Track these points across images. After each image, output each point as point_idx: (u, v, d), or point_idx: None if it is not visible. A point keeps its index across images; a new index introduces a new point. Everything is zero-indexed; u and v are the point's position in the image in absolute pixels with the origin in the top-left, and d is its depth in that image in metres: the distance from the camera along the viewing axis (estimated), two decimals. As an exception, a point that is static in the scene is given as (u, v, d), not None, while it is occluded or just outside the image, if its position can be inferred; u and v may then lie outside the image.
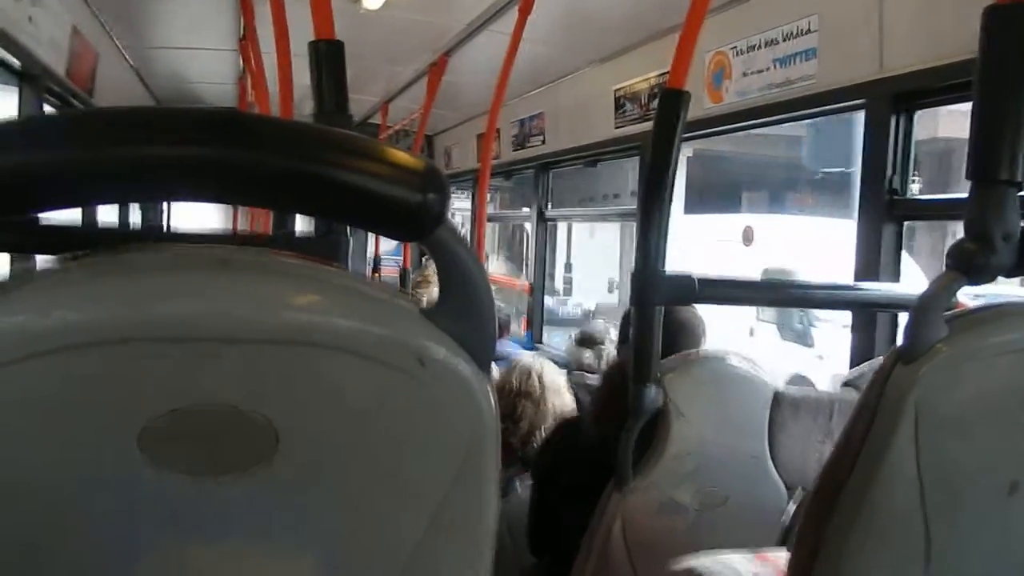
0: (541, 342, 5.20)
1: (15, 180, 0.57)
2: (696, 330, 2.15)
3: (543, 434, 2.61)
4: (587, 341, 3.40)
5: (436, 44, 4.19)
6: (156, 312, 0.60)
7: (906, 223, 2.47)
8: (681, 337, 2.06)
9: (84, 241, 1.31)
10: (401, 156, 0.64)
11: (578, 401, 2.84)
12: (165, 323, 0.60)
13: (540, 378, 2.69)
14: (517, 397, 2.66)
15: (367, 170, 0.62)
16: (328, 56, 1.49)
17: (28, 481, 0.61)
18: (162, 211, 8.24)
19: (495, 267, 9.24)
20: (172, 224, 8.70)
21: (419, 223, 0.64)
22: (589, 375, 3.27)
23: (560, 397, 2.71)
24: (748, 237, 9.43)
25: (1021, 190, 1.04)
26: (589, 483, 1.84)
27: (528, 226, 5.33)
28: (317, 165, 0.61)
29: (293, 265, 0.65)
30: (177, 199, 0.67)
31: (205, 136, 0.59)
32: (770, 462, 1.80)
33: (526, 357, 2.94)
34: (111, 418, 0.61)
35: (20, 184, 0.57)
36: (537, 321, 5.24)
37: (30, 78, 3.25)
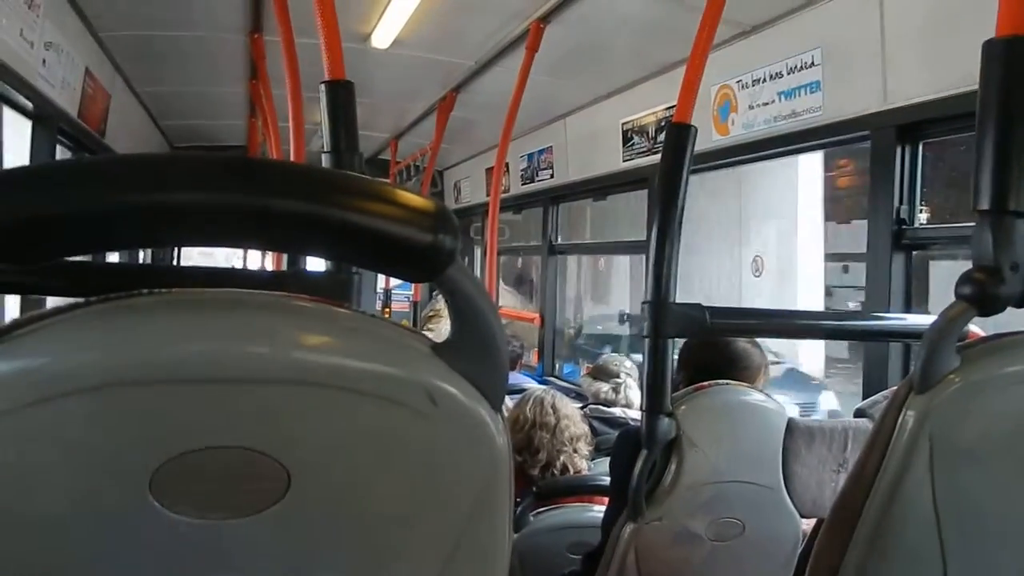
0: (553, 374, 5.19)
1: (29, 227, 0.58)
2: (750, 363, 2.03)
3: (561, 463, 2.61)
4: (603, 373, 3.39)
5: (445, 81, 4.24)
6: (168, 355, 0.61)
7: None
8: (733, 371, 1.95)
9: (93, 282, 1.32)
10: (411, 198, 0.64)
11: (595, 432, 2.83)
12: (177, 365, 0.61)
13: (554, 408, 2.69)
14: (533, 428, 2.65)
15: (378, 213, 0.63)
16: (339, 96, 1.52)
17: (39, 523, 0.61)
18: (171, 249, 8.29)
19: (507, 301, 9.24)
20: (182, 262, 8.76)
21: (430, 264, 0.64)
22: (606, 408, 3.26)
23: (576, 425, 2.70)
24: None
25: None
26: None
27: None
28: (329, 210, 0.62)
29: (304, 306, 0.66)
30: (187, 244, 0.68)
31: (219, 183, 0.60)
32: (785, 492, 1.79)
33: (538, 389, 2.94)
34: (123, 461, 0.61)
35: (33, 232, 0.58)
36: (548, 353, 5.23)
37: (43, 120, 3.29)
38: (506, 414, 0.75)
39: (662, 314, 1.71)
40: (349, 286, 1.49)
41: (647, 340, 1.73)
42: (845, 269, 11.04)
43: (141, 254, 5.92)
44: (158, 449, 0.61)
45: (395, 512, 0.68)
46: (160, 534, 0.62)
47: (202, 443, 0.62)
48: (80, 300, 0.62)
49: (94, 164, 0.62)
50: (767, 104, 2.92)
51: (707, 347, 2.02)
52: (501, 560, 0.72)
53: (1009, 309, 1.04)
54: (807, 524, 1.83)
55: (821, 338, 2.15)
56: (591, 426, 2.85)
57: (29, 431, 0.59)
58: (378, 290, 6.69)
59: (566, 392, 3.33)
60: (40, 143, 3.30)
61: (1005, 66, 1.06)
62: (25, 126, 3.27)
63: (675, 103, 1.86)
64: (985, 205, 1.05)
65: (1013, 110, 1.04)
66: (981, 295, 1.01)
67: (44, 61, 3.06)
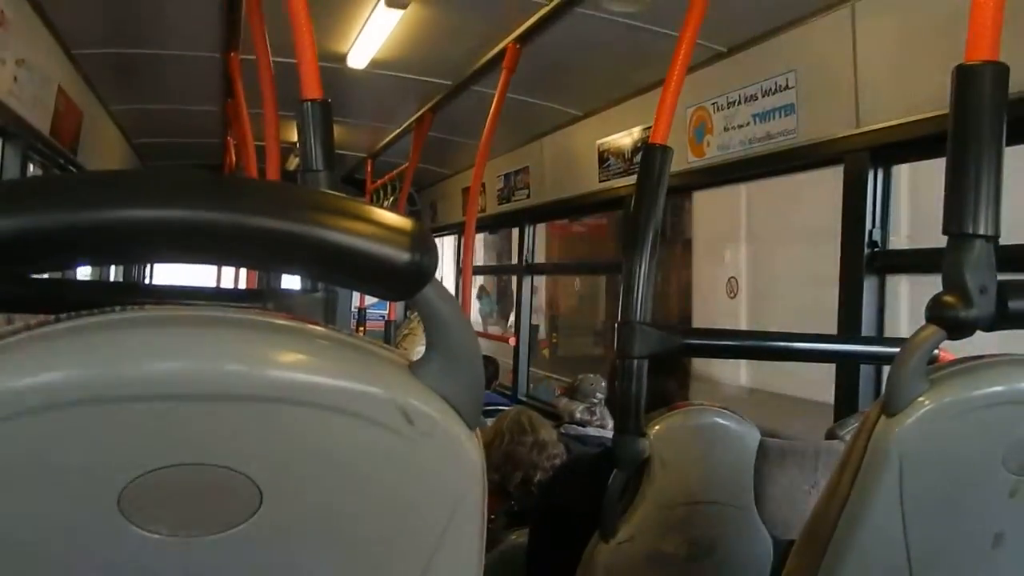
0: (527, 395, 5.18)
1: None
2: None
3: (538, 481, 2.61)
4: (578, 393, 3.40)
5: (422, 101, 4.25)
6: (137, 371, 0.60)
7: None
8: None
9: (64, 298, 1.30)
10: (388, 217, 0.64)
11: (569, 452, 2.84)
12: (149, 383, 0.60)
13: (531, 426, 2.70)
14: (510, 446, 2.66)
15: (354, 231, 0.62)
16: (316, 115, 1.51)
17: (8, 542, 0.60)
18: (144, 266, 8.21)
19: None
20: (154, 279, 8.68)
21: (407, 282, 0.64)
22: (580, 427, 3.27)
23: (553, 447, 2.72)
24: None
25: (996, 243, 1.06)
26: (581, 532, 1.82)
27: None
28: (305, 228, 0.61)
29: (278, 322, 0.66)
30: (162, 261, 0.67)
31: (192, 199, 0.60)
32: (756, 513, 1.80)
33: (514, 408, 2.94)
34: (91, 478, 0.60)
35: (2, 248, 0.57)
36: (523, 373, 5.22)
37: (13, 137, 3.26)
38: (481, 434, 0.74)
39: (634, 334, 1.72)
40: (324, 304, 1.49)
41: (619, 360, 1.73)
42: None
43: (112, 272, 5.86)
44: (127, 466, 0.60)
45: (368, 529, 0.67)
46: (130, 552, 0.62)
47: (173, 460, 0.61)
48: (50, 317, 0.61)
49: (65, 180, 0.61)
50: (742, 126, 2.95)
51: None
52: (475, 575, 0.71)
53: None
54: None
55: (794, 360, 2.16)
56: (566, 446, 2.86)
57: None
58: (352, 309, 6.66)
59: (544, 413, 3.34)
60: (10, 160, 3.27)
61: (973, 91, 1.07)
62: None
63: (651, 124, 1.88)
64: (955, 228, 1.06)
65: (982, 134, 1.06)
66: (951, 319, 1.02)
67: (15, 78, 3.03)
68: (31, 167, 3.61)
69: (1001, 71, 1.07)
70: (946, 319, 1.02)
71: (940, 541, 1.03)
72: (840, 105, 2.50)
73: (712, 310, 6.77)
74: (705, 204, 6.68)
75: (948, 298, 1.03)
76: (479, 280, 9.18)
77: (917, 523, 1.00)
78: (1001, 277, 1.05)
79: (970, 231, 1.05)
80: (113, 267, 5.85)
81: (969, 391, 1.01)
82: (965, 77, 1.08)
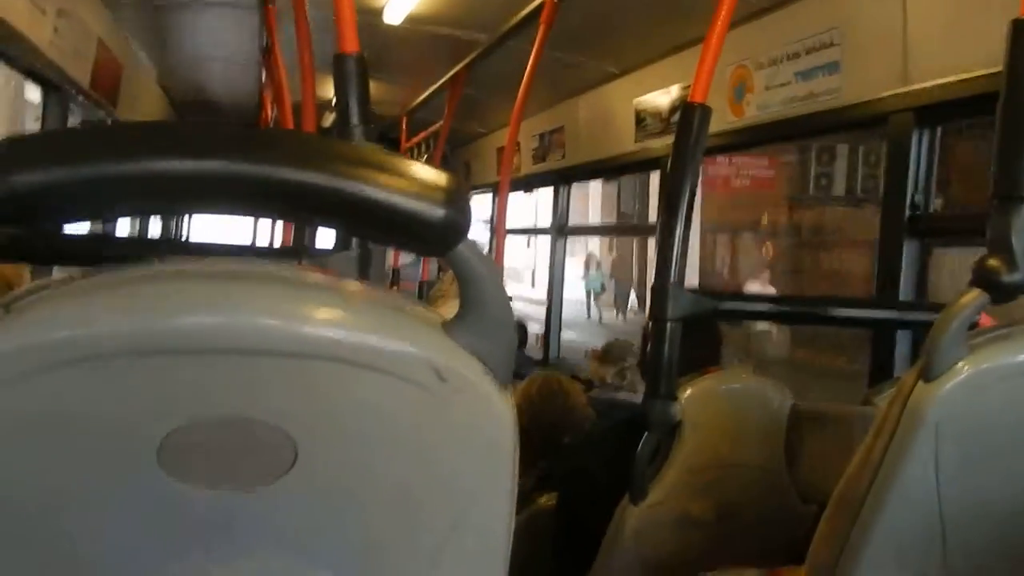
0: (557, 358, 5.18)
1: (39, 193, 0.58)
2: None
3: (566, 444, 2.62)
4: (609, 357, 3.39)
5: (457, 57, 4.21)
6: (176, 324, 0.60)
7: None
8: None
9: (103, 252, 1.32)
10: (424, 171, 0.64)
11: (599, 416, 2.84)
12: (185, 335, 0.60)
13: (561, 389, 2.70)
14: (539, 407, 2.66)
15: (390, 185, 0.62)
16: (352, 69, 1.50)
17: (48, 493, 0.61)
18: (181, 222, 8.29)
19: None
20: (191, 235, 8.78)
21: (441, 237, 0.64)
22: (612, 391, 3.26)
23: (582, 409, 2.71)
24: None
25: None
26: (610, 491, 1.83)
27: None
28: (339, 179, 0.61)
29: (314, 279, 0.66)
30: (200, 211, 0.68)
31: (229, 151, 0.60)
32: (787, 477, 1.79)
33: (542, 372, 2.94)
34: (130, 430, 0.61)
35: (44, 197, 0.58)
36: (555, 337, 5.22)
37: (55, 88, 3.29)
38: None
39: (668, 297, 1.70)
40: (358, 262, 1.49)
41: (652, 323, 1.72)
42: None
43: (150, 229, 5.93)
44: (165, 418, 0.61)
45: (401, 484, 0.68)
46: (167, 504, 0.63)
47: (210, 413, 0.62)
48: (89, 270, 0.62)
49: (105, 131, 0.62)
50: (784, 85, 2.89)
51: None
52: (503, 537, 0.71)
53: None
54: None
55: (830, 324, 2.13)
56: (595, 410, 2.86)
57: (37, 400, 0.59)
58: (386, 268, 6.69)
59: (575, 377, 3.34)
60: (52, 111, 3.31)
61: None
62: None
63: (689, 83, 1.84)
64: (1003, 191, 1.03)
65: None
66: (995, 282, 1.00)
67: (56, 29, 3.05)
68: (71, 119, 3.65)
69: None
70: (990, 282, 1.00)
71: (973, 507, 1.02)
72: (887, 64, 2.43)
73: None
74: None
75: (993, 261, 1.01)
76: (574, 243, 8.79)
77: (951, 489, 0.99)
78: None
79: (1017, 194, 1.02)
80: (151, 223, 5.91)
81: (1008, 357, 0.99)
82: (1022, 31, 1.04)
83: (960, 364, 0.98)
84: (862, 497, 1.03)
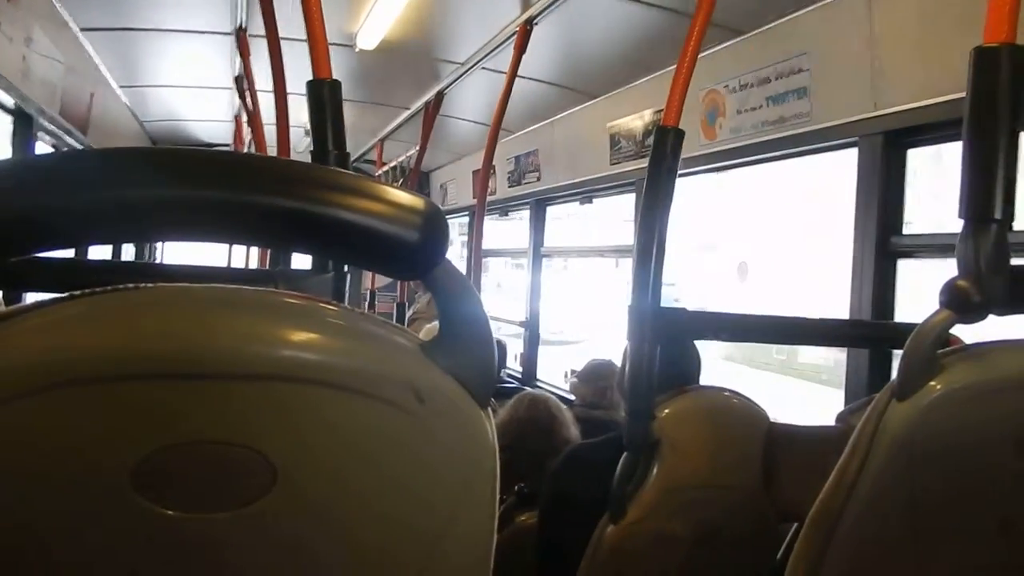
0: (536, 378, 5.18)
1: (11, 222, 0.57)
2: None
3: (549, 464, 2.60)
4: (591, 377, 3.39)
5: (432, 82, 4.23)
6: (151, 349, 0.60)
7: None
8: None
9: (77, 278, 1.30)
10: (400, 195, 0.64)
11: (584, 435, 2.83)
12: (161, 360, 0.60)
13: (547, 408, 2.69)
14: (525, 425, 2.64)
15: (367, 209, 0.62)
16: (326, 95, 1.51)
17: (19, 519, 0.60)
18: (155, 246, 8.22)
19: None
20: (165, 259, 8.71)
21: (419, 261, 0.65)
22: (593, 411, 3.26)
23: (567, 429, 2.70)
24: None
25: (1010, 228, 1.05)
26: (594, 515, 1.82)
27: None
28: (316, 205, 0.61)
29: (291, 302, 0.66)
30: (175, 239, 0.67)
31: (206, 177, 0.60)
32: (765, 495, 1.80)
33: (528, 391, 2.93)
34: (104, 454, 0.60)
35: (16, 226, 0.57)
36: (532, 358, 5.22)
37: (23, 116, 3.26)
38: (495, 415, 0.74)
39: (645, 317, 1.72)
40: (335, 284, 1.49)
41: (629, 343, 1.73)
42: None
43: (123, 253, 5.87)
44: (140, 442, 0.60)
45: (381, 507, 0.68)
46: (143, 529, 0.62)
47: (185, 437, 0.61)
48: (62, 295, 0.61)
49: (77, 158, 0.61)
50: (755, 109, 2.93)
51: None
52: (485, 558, 0.71)
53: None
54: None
55: (805, 343, 2.16)
56: (583, 428, 2.85)
57: (10, 426, 0.58)
58: (363, 290, 6.67)
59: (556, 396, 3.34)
60: (20, 140, 3.27)
61: (991, 73, 1.06)
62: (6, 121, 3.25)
63: (662, 107, 1.86)
64: (970, 213, 1.05)
65: (999, 117, 1.05)
66: (963, 303, 1.01)
67: (24, 58, 3.03)
68: (40, 146, 3.61)
69: (1019, 53, 1.06)
70: (959, 303, 1.01)
71: (947, 526, 1.03)
72: (856, 88, 2.47)
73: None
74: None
75: (961, 282, 1.02)
76: (488, 263, 9.07)
77: (926, 506, 1.00)
78: (1015, 262, 1.04)
79: (986, 215, 1.04)
80: (124, 249, 5.86)
81: (980, 376, 1.01)
82: (983, 59, 1.07)
83: (932, 383, 0.99)
84: (837, 515, 1.04)
